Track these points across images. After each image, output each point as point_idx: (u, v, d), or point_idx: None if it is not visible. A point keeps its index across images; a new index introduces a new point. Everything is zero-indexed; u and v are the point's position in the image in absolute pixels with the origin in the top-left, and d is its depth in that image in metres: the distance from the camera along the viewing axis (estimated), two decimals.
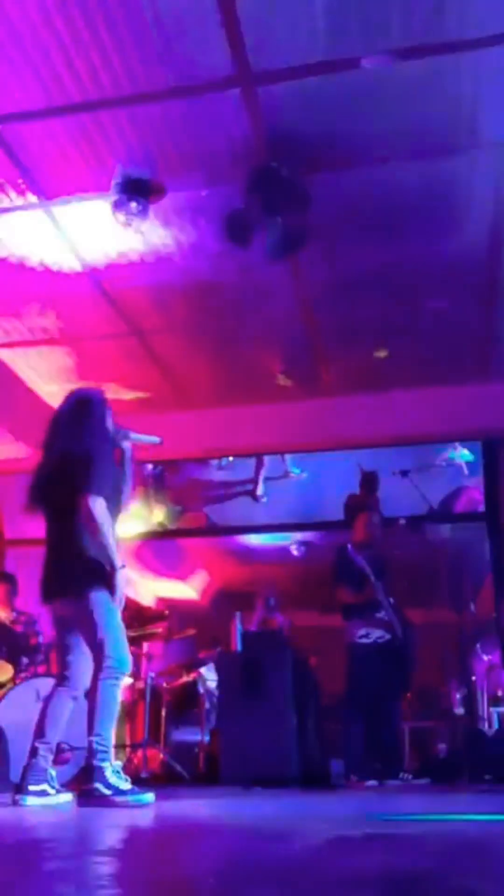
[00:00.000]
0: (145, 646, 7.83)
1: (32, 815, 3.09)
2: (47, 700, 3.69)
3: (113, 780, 3.31)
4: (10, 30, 3.59)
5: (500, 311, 5.76)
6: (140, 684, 6.73)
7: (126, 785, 3.33)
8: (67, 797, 3.55)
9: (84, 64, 3.77)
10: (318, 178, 4.46)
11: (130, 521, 9.00)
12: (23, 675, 5.53)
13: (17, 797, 3.41)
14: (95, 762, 3.34)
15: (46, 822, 2.80)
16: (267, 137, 4.22)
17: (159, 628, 7.17)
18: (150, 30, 3.60)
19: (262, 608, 8.23)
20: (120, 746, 7.14)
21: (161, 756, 6.30)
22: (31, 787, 3.44)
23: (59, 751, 5.03)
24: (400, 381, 6.77)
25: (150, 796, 3.30)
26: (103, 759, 3.35)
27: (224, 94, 3.96)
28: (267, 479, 8.64)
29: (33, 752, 3.56)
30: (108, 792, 3.27)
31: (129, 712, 7.54)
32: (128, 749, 6.91)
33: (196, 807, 3.43)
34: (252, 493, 8.62)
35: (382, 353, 5.89)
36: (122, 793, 3.28)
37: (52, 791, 3.51)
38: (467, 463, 7.76)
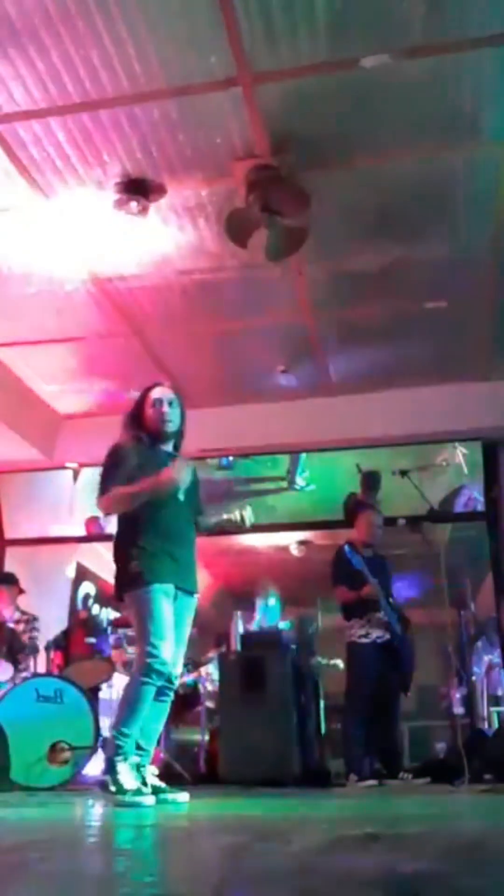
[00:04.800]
0: None
1: (32, 815, 3.09)
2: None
3: (121, 777, 3.35)
4: (11, 30, 3.59)
5: (500, 311, 5.76)
6: None
7: (132, 784, 3.36)
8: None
9: (84, 64, 3.77)
10: (317, 178, 4.46)
11: None
12: (23, 674, 5.54)
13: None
14: (112, 756, 3.40)
15: (46, 822, 2.79)
16: (267, 137, 4.22)
17: None
18: (150, 30, 3.60)
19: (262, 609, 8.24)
20: None
21: (161, 756, 6.29)
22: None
23: (59, 750, 5.05)
24: (400, 381, 6.77)
25: (149, 799, 3.32)
26: (118, 755, 3.38)
27: (224, 94, 3.96)
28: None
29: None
30: (112, 788, 3.34)
31: None
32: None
33: (196, 807, 3.43)
34: (290, 482, 8.65)
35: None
36: (123, 792, 3.32)
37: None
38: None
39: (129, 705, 3.47)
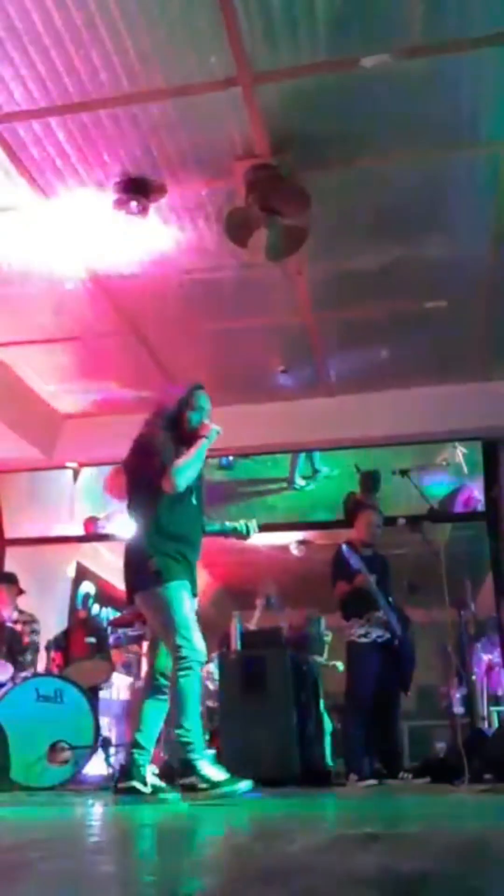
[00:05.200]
0: (145, 645, 7.83)
1: (32, 815, 3.09)
2: None
3: (206, 771, 3.34)
4: (11, 30, 3.58)
5: (500, 311, 5.76)
6: (140, 684, 6.72)
7: (221, 775, 3.36)
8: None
9: (84, 64, 3.76)
10: (317, 178, 4.46)
11: (129, 520, 9.02)
12: (23, 674, 5.54)
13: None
14: (187, 755, 3.38)
15: (46, 822, 2.80)
16: (267, 137, 4.21)
17: None
18: (150, 30, 3.60)
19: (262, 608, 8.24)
20: (120, 745, 7.15)
21: (161, 756, 6.29)
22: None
23: (58, 750, 5.05)
24: (400, 381, 6.77)
25: (247, 783, 3.31)
26: (191, 752, 3.38)
27: (224, 94, 3.95)
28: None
29: None
30: (204, 786, 3.30)
31: (129, 712, 7.55)
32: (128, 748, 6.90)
33: (196, 806, 3.42)
34: (289, 482, 8.66)
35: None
36: (217, 785, 3.30)
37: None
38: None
39: (181, 702, 3.46)
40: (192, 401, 3.94)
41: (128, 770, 3.61)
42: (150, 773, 3.63)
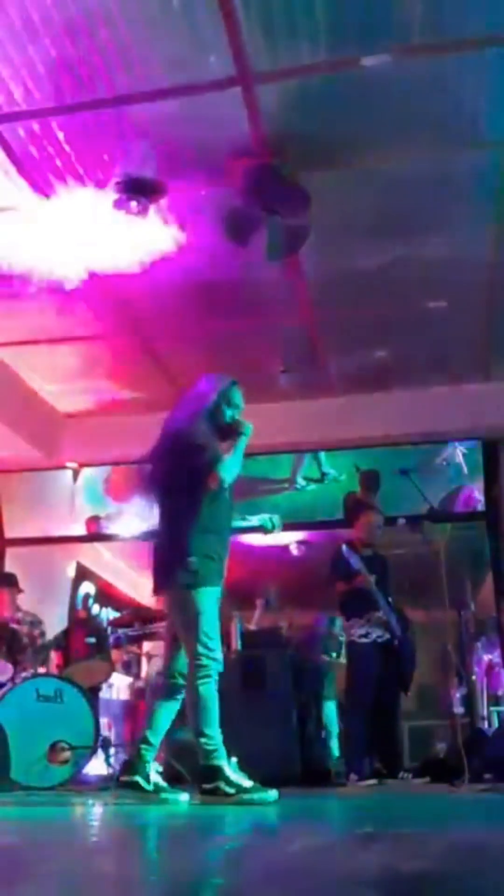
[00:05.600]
0: (145, 645, 7.84)
1: (32, 815, 3.09)
2: None
3: (233, 777, 3.34)
4: (11, 30, 3.58)
5: (500, 312, 5.76)
6: (140, 684, 6.72)
7: (247, 781, 3.35)
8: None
9: (84, 64, 3.76)
10: (318, 178, 4.46)
11: (130, 520, 9.02)
12: (23, 674, 5.54)
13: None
14: (212, 761, 3.38)
15: (46, 823, 2.80)
16: (267, 137, 4.21)
17: (159, 628, 7.17)
18: (150, 30, 3.60)
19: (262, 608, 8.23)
20: (120, 746, 7.15)
21: (161, 755, 6.29)
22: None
23: (58, 750, 5.05)
24: (400, 381, 6.77)
25: (273, 793, 3.30)
26: (215, 759, 3.37)
27: (224, 94, 3.95)
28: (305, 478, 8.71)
29: None
30: (231, 790, 3.29)
31: (129, 712, 7.55)
32: (128, 748, 6.90)
33: (196, 806, 3.43)
34: (290, 482, 8.64)
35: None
36: (245, 791, 3.29)
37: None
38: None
39: (202, 710, 3.47)
40: (229, 396, 3.92)
41: (132, 764, 3.60)
42: (154, 772, 3.62)
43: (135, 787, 3.52)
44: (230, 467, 3.71)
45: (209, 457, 3.68)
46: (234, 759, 3.49)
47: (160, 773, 3.73)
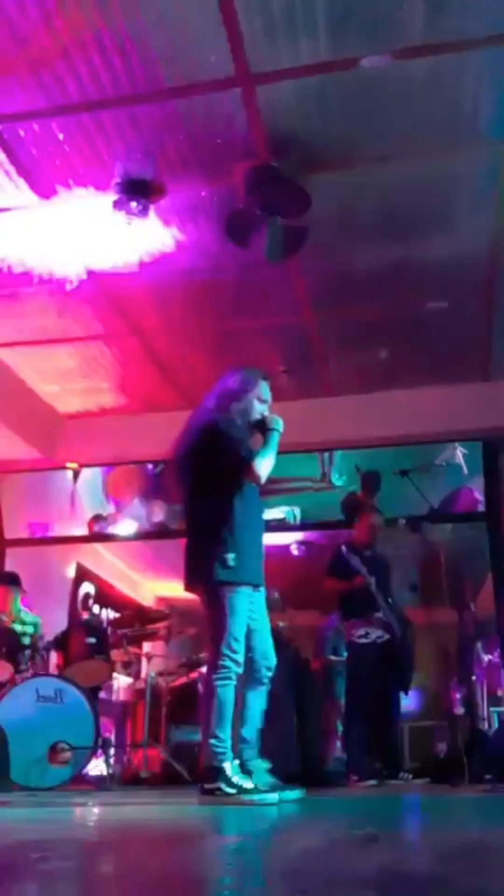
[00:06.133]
0: (145, 646, 7.83)
1: (32, 815, 3.09)
2: None
3: (235, 779, 3.31)
4: (11, 30, 3.59)
5: (500, 311, 5.76)
6: (140, 684, 6.72)
7: (249, 784, 3.33)
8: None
9: (84, 64, 3.77)
10: (318, 178, 4.46)
11: (130, 521, 9.03)
12: (23, 675, 5.53)
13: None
14: (216, 763, 3.35)
15: (47, 823, 2.79)
16: (267, 137, 4.22)
17: (159, 628, 7.18)
18: (150, 30, 3.60)
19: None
20: (120, 746, 7.15)
21: (161, 756, 6.30)
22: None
23: (58, 751, 5.04)
24: (400, 381, 6.77)
25: (274, 796, 3.29)
26: (221, 760, 3.35)
27: (224, 94, 3.96)
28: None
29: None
30: (232, 791, 3.28)
31: (129, 712, 7.55)
32: (128, 749, 6.91)
33: (197, 807, 3.42)
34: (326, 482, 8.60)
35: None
36: (247, 792, 3.28)
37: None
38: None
39: (217, 710, 3.42)
40: (260, 391, 3.90)
41: (216, 773, 3.50)
42: (262, 769, 3.52)
43: (216, 792, 3.42)
44: (266, 464, 3.69)
45: (244, 453, 3.65)
46: (236, 762, 3.44)
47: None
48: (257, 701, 3.62)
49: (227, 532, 3.58)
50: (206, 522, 3.66)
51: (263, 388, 3.91)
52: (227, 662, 3.46)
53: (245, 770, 3.46)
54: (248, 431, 3.77)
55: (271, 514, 4.20)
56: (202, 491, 3.72)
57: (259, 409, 3.83)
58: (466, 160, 4.46)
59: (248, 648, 3.59)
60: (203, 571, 3.58)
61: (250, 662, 3.61)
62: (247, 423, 3.77)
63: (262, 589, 3.75)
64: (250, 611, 3.60)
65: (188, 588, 3.72)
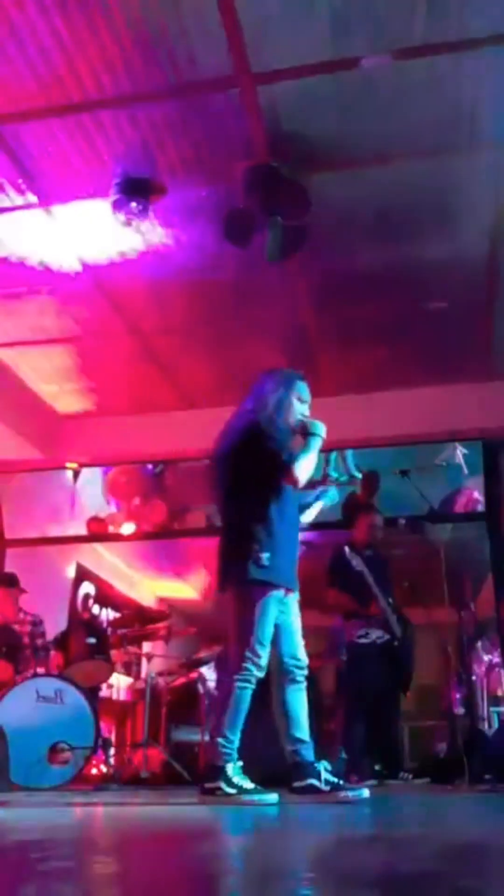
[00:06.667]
0: (145, 646, 7.83)
1: (32, 815, 3.09)
2: None
3: (236, 779, 3.31)
4: (11, 30, 3.59)
5: (500, 311, 5.77)
6: (140, 684, 6.72)
7: (249, 784, 3.32)
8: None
9: (84, 64, 3.77)
10: (317, 178, 4.46)
11: (130, 521, 9.02)
12: (23, 675, 5.53)
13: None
14: (219, 762, 3.35)
15: (47, 823, 2.79)
16: (267, 137, 4.22)
17: (159, 628, 7.17)
18: (150, 30, 3.60)
19: None
20: (120, 746, 7.15)
21: (161, 756, 6.29)
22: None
23: (58, 751, 5.04)
24: (400, 381, 6.77)
25: (274, 796, 3.28)
26: (226, 760, 3.35)
27: (224, 94, 3.96)
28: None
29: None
30: (232, 791, 3.27)
31: (129, 712, 7.55)
32: (128, 749, 6.90)
33: (196, 807, 3.43)
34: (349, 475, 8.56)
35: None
36: (247, 792, 3.28)
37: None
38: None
39: (232, 711, 3.41)
40: (299, 391, 3.87)
41: (301, 769, 3.48)
42: (324, 770, 3.46)
43: (311, 791, 3.41)
44: (306, 467, 3.65)
45: (284, 455, 3.63)
46: (240, 763, 3.43)
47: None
48: (297, 700, 3.58)
49: (263, 532, 3.53)
50: (243, 523, 3.61)
51: (302, 388, 3.89)
52: (250, 665, 3.42)
53: (313, 773, 3.41)
54: (290, 433, 3.75)
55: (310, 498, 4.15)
56: (239, 492, 3.68)
57: (299, 410, 3.82)
58: (466, 160, 4.46)
59: (276, 650, 3.56)
60: (236, 570, 3.54)
61: (280, 664, 3.59)
62: (288, 424, 3.74)
63: (296, 594, 3.69)
64: (280, 612, 3.56)
65: (220, 588, 3.69)
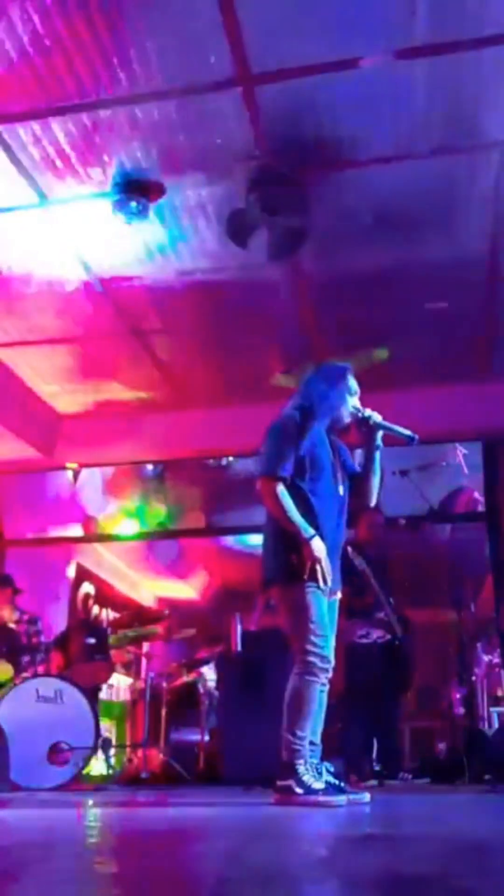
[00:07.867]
0: (145, 646, 7.84)
1: (32, 815, 3.09)
2: None
3: (306, 778, 3.27)
4: (11, 30, 3.59)
5: (500, 311, 5.76)
6: (140, 684, 6.72)
7: (319, 784, 3.28)
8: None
9: (84, 64, 3.77)
10: (318, 178, 4.46)
11: (130, 520, 9.03)
12: (23, 675, 5.53)
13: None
14: (291, 761, 3.31)
15: (47, 823, 2.79)
16: (267, 137, 4.22)
17: (159, 628, 7.17)
18: (151, 30, 3.60)
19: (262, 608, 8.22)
20: (120, 746, 7.16)
21: (161, 756, 6.30)
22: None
23: (58, 751, 5.05)
24: (400, 381, 6.77)
25: (342, 798, 3.25)
26: (297, 758, 3.31)
27: (224, 94, 3.96)
28: None
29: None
30: (300, 791, 3.24)
31: (129, 712, 7.55)
32: (128, 749, 6.91)
33: (196, 807, 3.43)
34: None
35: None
36: (314, 792, 3.23)
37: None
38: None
39: (302, 707, 3.36)
40: (348, 383, 3.84)
41: (286, 769, 3.47)
42: (326, 771, 3.44)
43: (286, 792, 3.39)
44: (375, 484, 3.76)
45: (302, 451, 3.58)
46: (314, 760, 3.39)
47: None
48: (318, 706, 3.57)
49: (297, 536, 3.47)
50: (276, 524, 3.57)
51: (352, 382, 3.88)
52: (311, 658, 3.36)
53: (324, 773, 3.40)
54: (346, 427, 3.74)
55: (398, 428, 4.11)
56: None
57: (351, 402, 3.81)
58: (466, 160, 4.46)
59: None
60: (279, 570, 3.52)
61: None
62: (341, 418, 3.76)
63: (339, 597, 3.67)
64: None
65: (265, 588, 3.67)
